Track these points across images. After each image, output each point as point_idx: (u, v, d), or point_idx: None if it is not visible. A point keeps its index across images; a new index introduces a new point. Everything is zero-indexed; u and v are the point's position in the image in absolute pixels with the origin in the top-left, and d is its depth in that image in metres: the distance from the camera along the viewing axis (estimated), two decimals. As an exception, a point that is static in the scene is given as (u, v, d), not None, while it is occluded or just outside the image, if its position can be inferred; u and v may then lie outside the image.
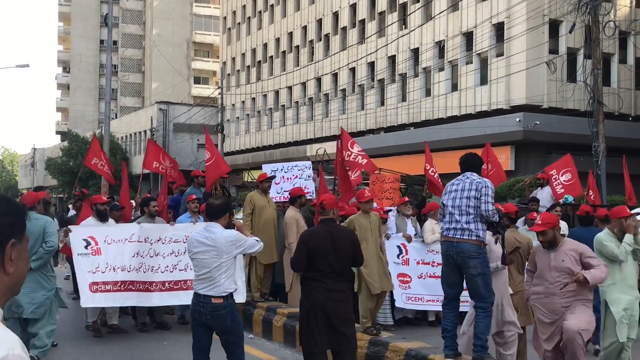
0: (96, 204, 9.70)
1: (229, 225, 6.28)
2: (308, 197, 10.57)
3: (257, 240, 6.20)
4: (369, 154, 32.23)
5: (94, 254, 9.01)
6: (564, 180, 13.20)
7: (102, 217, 9.60)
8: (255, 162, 42.26)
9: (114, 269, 9.06)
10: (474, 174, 6.81)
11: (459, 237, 6.49)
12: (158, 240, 9.36)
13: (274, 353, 8.49)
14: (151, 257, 9.28)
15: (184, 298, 9.31)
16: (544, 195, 12.74)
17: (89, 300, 8.95)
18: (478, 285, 6.45)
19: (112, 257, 9.08)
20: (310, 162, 12.25)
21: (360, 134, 37.63)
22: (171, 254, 9.38)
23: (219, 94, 46.30)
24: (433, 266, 9.54)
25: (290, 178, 11.00)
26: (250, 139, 50.99)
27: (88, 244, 9.01)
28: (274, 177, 10.73)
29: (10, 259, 1.83)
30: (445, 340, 6.69)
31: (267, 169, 11.19)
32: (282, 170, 11.12)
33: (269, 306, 9.74)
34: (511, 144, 28.27)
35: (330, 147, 37.06)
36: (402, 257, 9.70)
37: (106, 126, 20.43)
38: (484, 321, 6.50)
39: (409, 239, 9.80)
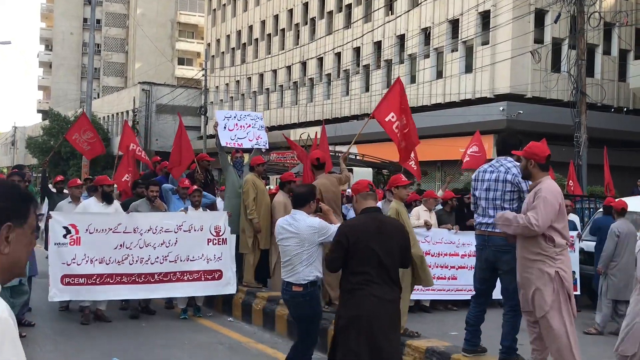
0: (102, 186, 9.30)
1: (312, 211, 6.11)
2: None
3: None
4: (353, 140, 31.93)
5: (72, 243, 8.62)
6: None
7: (108, 199, 9.25)
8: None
9: (91, 261, 8.69)
10: (508, 158, 6.27)
11: (490, 230, 6.12)
12: (149, 230, 8.97)
13: (253, 336, 8.47)
14: (140, 248, 8.90)
15: (173, 291, 9.22)
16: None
17: (57, 294, 8.61)
18: (510, 282, 6.02)
19: (91, 249, 8.70)
20: (262, 114, 12.43)
21: (345, 119, 37.57)
22: (162, 244, 9.02)
23: (203, 75, 45.96)
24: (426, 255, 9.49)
25: (244, 126, 10.88)
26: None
27: (68, 232, 8.62)
28: (267, 160, 10.76)
29: (7, 241, 1.93)
30: (466, 333, 6.45)
31: (220, 114, 11.12)
32: (235, 117, 11.00)
33: (248, 290, 9.72)
34: (494, 133, 28.32)
35: (313, 132, 37.06)
36: None
37: (88, 105, 20.21)
38: (511, 321, 6.17)
39: None
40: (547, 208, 5.29)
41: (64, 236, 8.63)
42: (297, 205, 6.00)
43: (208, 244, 9.29)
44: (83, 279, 8.67)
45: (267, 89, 46.70)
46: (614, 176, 15.51)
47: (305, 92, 42.47)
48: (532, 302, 5.50)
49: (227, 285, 9.37)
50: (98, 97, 71.13)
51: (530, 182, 5.70)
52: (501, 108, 27.41)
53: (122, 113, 57.40)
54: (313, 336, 6.07)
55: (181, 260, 9.13)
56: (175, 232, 9.07)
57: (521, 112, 27.20)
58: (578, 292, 11.16)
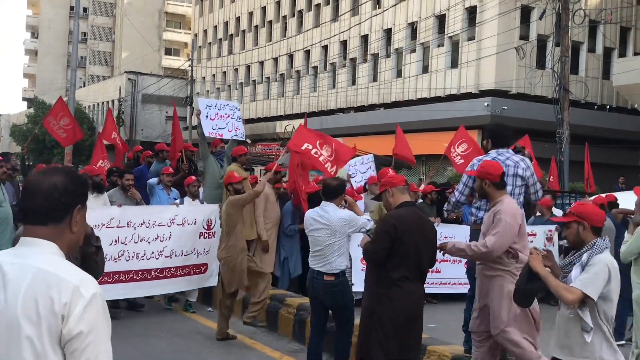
0: (92, 176, 8.85)
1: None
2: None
3: (368, 220, 6.39)
4: (339, 133, 32.22)
5: None
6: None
7: (100, 189, 8.89)
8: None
9: None
10: (510, 151, 6.07)
11: None
12: (142, 224, 8.57)
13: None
14: (135, 242, 8.51)
15: (167, 287, 9.01)
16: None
17: None
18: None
19: None
20: (239, 105, 12.42)
21: (331, 112, 37.61)
22: (156, 239, 8.68)
23: (189, 66, 45.80)
24: None
25: (223, 116, 10.93)
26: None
27: None
28: (254, 152, 10.81)
29: (76, 220, 2.23)
30: (466, 333, 6.20)
31: (202, 103, 11.15)
32: (215, 107, 11.03)
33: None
34: (478, 128, 28.47)
35: (299, 125, 37.07)
36: None
37: (72, 94, 20.10)
38: None
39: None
40: (505, 231, 5.15)
41: None
42: (328, 198, 6.21)
43: (199, 238, 9.10)
44: None
45: (254, 81, 46.61)
46: (596, 173, 15.68)
47: (292, 84, 42.44)
48: (487, 319, 5.38)
49: (210, 278, 9.28)
50: (84, 85, 70.64)
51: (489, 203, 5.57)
52: (486, 104, 27.54)
53: (108, 102, 57.07)
54: (352, 322, 6.26)
55: (176, 255, 8.87)
56: (169, 226, 8.78)
57: (505, 107, 27.36)
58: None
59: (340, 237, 6.06)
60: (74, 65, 21.49)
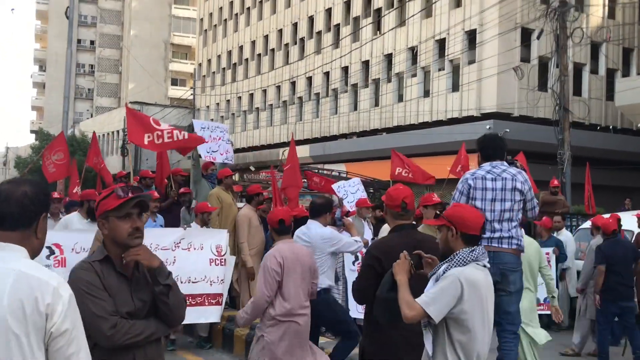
0: (89, 201, 8.06)
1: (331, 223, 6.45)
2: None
3: (356, 241, 6.45)
4: (342, 159, 32.15)
5: (57, 265, 7.53)
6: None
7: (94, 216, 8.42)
8: (229, 164, 41.86)
9: None
10: (504, 163, 5.58)
11: (496, 245, 5.30)
12: None
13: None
14: None
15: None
16: None
17: None
18: (512, 304, 5.34)
19: None
20: (227, 126, 12.61)
21: (334, 138, 37.44)
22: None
23: (191, 95, 45.87)
24: None
25: (215, 139, 10.98)
26: (224, 141, 50.51)
27: (52, 252, 7.56)
28: (233, 173, 10.63)
29: (41, 227, 2.44)
30: None
31: (197, 125, 11.38)
32: (208, 129, 11.06)
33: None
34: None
35: (303, 151, 36.91)
36: (358, 264, 8.66)
37: (65, 121, 20.05)
38: (515, 349, 5.46)
39: (366, 244, 8.64)
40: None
41: (47, 257, 7.55)
42: (313, 216, 6.29)
43: (210, 265, 8.17)
44: None
45: (257, 108, 46.59)
46: (601, 195, 15.31)
47: (295, 110, 42.37)
48: None
49: (212, 314, 8.23)
50: (92, 117, 71.04)
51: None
52: (488, 126, 27.19)
53: (113, 133, 57.22)
54: (351, 333, 6.20)
55: (182, 282, 7.83)
56: (173, 250, 7.92)
57: (508, 130, 26.97)
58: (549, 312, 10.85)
59: (320, 255, 6.02)
60: (67, 92, 21.37)
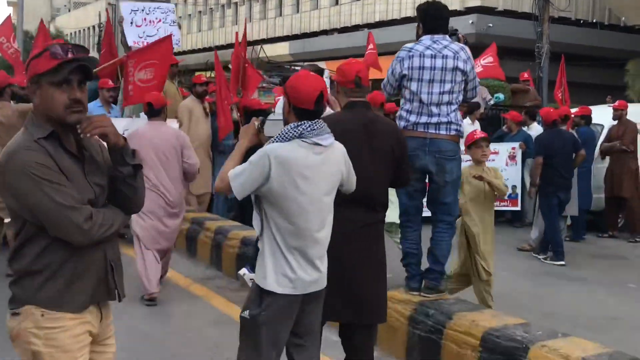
0: (9, 85, 7.38)
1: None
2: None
3: None
4: (322, 56, 31.17)
5: None
6: (484, 62, 12.99)
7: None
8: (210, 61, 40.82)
9: None
10: (447, 37, 4.88)
11: (433, 132, 4.70)
12: None
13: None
14: None
15: None
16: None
17: None
18: (448, 195, 4.82)
19: None
20: (173, 6, 11.10)
21: (314, 34, 36.36)
22: None
23: (168, -12, 44.03)
24: None
25: (153, 21, 9.86)
26: (202, 37, 48.99)
27: None
28: (210, 81, 9.47)
29: None
30: (410, 268, 4.92)
31: (126, 7, 9.93)
32: (143, 11, 9.88)
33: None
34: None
35: (283, 48, 35.85)
36: None
37: (20, 9, 18.88)
38: (448, 240, 4.90)
39: None
40: None
41: None
42: None
43: None
44: None
45: (236, 3, 44.94)
46: (583, 93, 14.79)
47: (274, 2, 40.92)
48: None
49: None
50: (69, 12, 68.87)
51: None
52: (470, 21, 26.33)
53: (89, 28, 55.47)
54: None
55: None
56: None
57: (491, 25, 26.17)
58: (518, 208, 10.61)
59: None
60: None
